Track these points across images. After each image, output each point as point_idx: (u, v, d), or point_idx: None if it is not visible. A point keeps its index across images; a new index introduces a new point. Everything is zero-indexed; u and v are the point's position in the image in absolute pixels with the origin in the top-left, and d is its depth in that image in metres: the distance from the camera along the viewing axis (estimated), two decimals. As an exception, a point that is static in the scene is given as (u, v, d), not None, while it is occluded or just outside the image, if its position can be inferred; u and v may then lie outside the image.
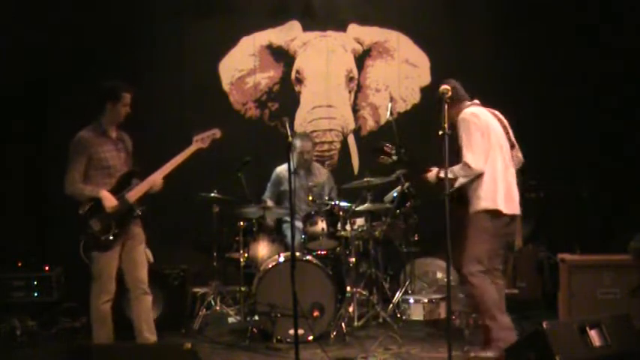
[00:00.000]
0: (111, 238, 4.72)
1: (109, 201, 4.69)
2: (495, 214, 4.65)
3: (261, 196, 6.54)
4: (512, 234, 4.98)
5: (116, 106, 4.82)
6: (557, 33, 6.96)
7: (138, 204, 4.84)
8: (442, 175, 4.58)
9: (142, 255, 4.95)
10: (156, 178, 4.85)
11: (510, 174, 4.75)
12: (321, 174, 6.66)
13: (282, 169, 6.51)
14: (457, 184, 4.64)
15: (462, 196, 4.74)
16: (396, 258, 6.43)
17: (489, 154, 4.67)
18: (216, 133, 5.07)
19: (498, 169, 4.69)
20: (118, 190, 4.77)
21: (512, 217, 4.76)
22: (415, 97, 7.32)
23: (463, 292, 5.68)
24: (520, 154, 4.88)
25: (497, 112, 4.88)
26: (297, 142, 6.41)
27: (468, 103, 4.85)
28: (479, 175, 4.64)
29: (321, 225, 5.86)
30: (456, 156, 4.72)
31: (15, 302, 6.10)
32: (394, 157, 4.89)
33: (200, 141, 4.98)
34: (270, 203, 6.37)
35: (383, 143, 4.97)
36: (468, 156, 4.63)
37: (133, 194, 4.78)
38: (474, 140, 4.64)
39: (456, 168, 4.65)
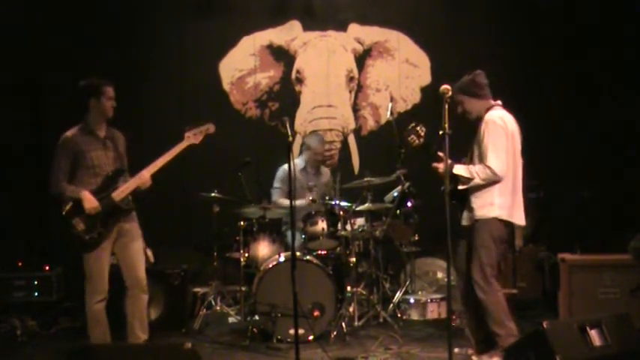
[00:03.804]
0: (95, 236, 4.64)
1: (89, 202, 4.61)
2: (506, 223, 4.62)
3: (261, 196, 6.48)
4: (509, 239, 4.98)
5: (100, 101, 4.73)
6: (558, 33, 6.97)
7: (125, 202, 4.74)
8: (456, 170, 4.53)
9: (138, 253, 4.84)
10: (144, 176, 4.72)
11: (520, 183, 4.69)
12: (326, 173, 6.67)
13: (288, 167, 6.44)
14: (472, 184, 4.54)
15: (463, 197, 4.65)
16: (396, 258, 6.44)
17: (511, 162, 4.58)
18: (210, 127, 4.85)
19: (518, 178, 4.64)
20: (104, 189, 4.69)
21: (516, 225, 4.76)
22: (415, 97, 7.32)
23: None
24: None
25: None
26: (313, 142, 6.43)
27: (492, 102, 4.71)
28: (495, 182, 4.53)
29: (322, 225, 5.86)
30: (470, 157, 4.66)
31: (15, 302, 6.10)
32: (421, 140, 4.65)
33: (192, 137, 4.80)
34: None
35: (417, 123, 4.69)
36: (492, 160, 4.48)
37: (119, 193, 4.69)
38: (501, 146, 4.51)
39: (477, 168, 4.54)
